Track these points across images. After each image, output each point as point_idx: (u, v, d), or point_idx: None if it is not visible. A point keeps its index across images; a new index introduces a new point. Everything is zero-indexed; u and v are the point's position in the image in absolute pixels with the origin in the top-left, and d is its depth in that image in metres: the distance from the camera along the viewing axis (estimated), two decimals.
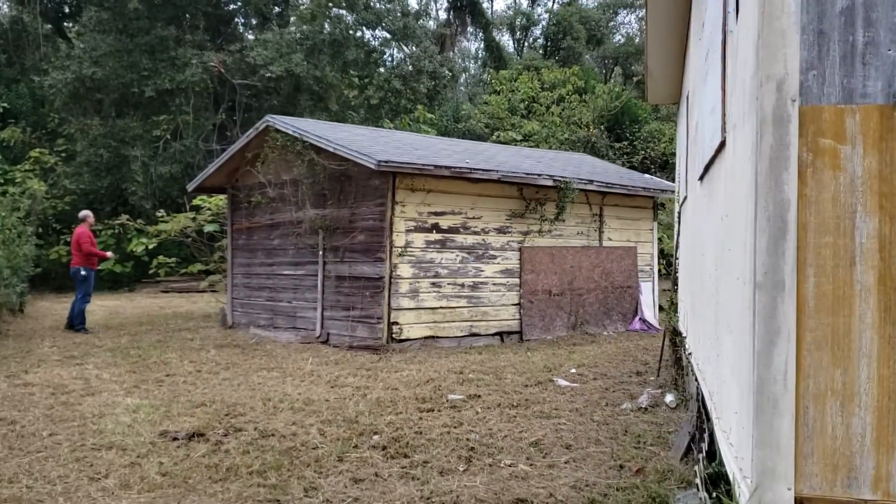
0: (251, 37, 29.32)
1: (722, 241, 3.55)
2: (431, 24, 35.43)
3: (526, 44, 45.73)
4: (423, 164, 11.29)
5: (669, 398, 8.07)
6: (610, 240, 14.50)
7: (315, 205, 12.58)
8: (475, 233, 12.50)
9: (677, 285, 9.10)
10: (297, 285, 13.17)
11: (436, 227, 12.03)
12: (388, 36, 28.11)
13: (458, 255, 12.29)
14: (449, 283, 12.19)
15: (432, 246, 11.99)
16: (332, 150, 11.62)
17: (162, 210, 17.83)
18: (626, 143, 32.42)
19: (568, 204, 13.19)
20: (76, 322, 14.29)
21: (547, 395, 8.37)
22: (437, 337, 12.07)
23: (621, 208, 14.70)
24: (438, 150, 13.53)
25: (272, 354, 11.54)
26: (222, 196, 16.70)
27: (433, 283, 12.00)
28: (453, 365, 10.37)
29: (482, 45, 40.25)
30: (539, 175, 12.74)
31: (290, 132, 12.36)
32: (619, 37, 59.60)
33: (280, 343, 12.81)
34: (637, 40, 62.98)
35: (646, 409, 7.78)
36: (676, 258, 9.14)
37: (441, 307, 12.11)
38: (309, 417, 7.44)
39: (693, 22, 6.29)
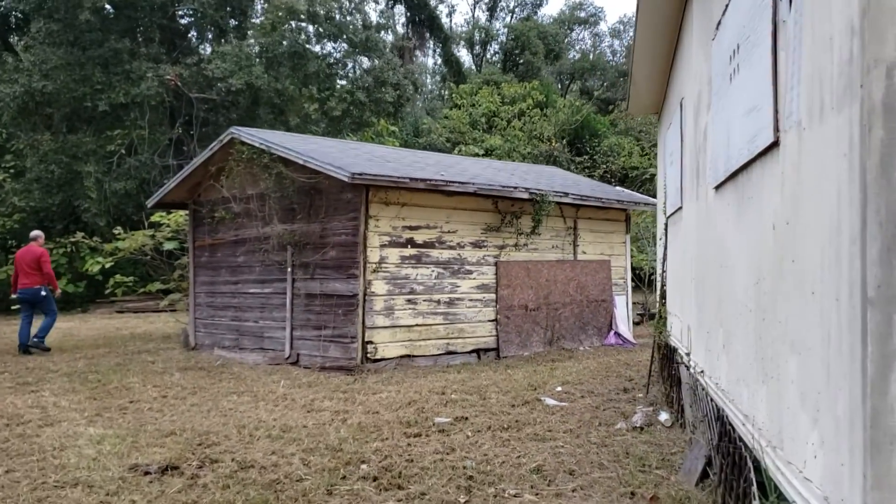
0: (208, 50, 28.67)
1: (775, 252, 3.23)
2: (390, 37, 35.14)
3: (485, 58, 45.72)
4: (399, 177, 10.92)
5: (664, 416, 7.77)
6: (584, 253, 14.27)
7: (283, 220, 12.10)
8: (451, 247, 12.14)
9: (664, 299, 8.83)
10: (264, 304, 12.64)
11: (410, 242, 11.65)
12: (349, 48, 27.66)
13: (433, 271, 11.91)
14: (425, 300, 11.80)
15: (407, 261, 11.60)
16: (301, 162, 11.17)
17: (119, 227, 17.11)
18: (586, 157, 32.47)
19: (543, 217, 12.92)
20: (41, 334, 13.79)
21: (537, 416, 8.02)
22: (414, 356, 11.66)
23: (595, 221, 14.49)
24: (410, 163, 13.16)
25: (240, 377, 11.00)
26: (183, 212, 16.09)
27: (408, 300, 11.60)
28: (433, 385, 9.96)
29: (441, 60, 40.09)
30: (515, 188, 12.45)
31: (257, 144, 11.88)
32: (575, 53, 60.17)
33: (247, 365, 12.26)
34: (591, 56, 63.63)
35: (641, 428, 7.48)
36: (663, 272, 8.88)
37: (417, 325, 11.71)
38: (289, 446, 6.98)
39: (694, 26, 6.04)
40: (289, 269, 12.06)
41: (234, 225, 13.16)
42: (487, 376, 10.68)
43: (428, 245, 11.85)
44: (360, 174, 10.46)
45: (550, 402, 8.69)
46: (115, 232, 16.96)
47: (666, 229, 8.83)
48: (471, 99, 36.10)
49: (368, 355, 11.11)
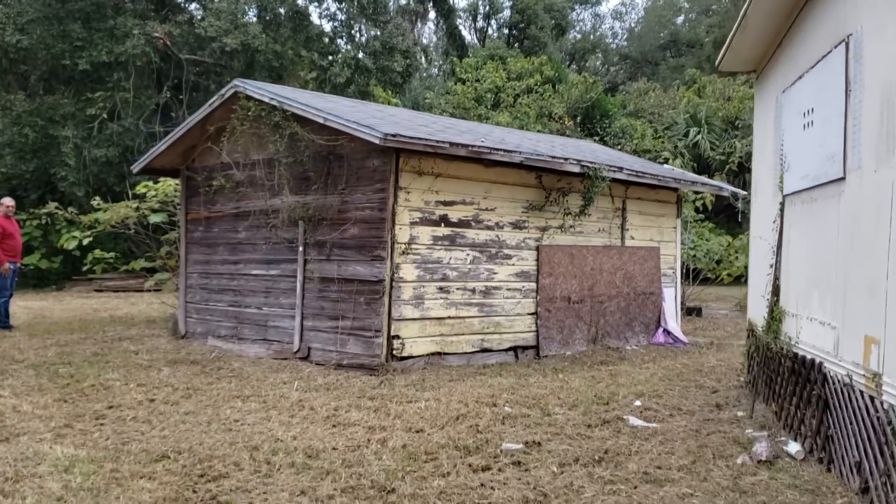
0: (198, 7, 26.51)
1: None
2: (394, 3, 33.08)
3: (488, 33, 43.73)
4: (438, 142, 9.14)
5: (793, 448, 6.11)
6: (632, 238, 12.56)
7: (295, 190, 10.30)
8: (488, 227, 10.39)
9: (777, 296, 7.14)
10: (269, 288, 10.85)
11: (444, 220, 9.89)
12: (354, 10, 25.61)
13: (468, 255, 10.17)
14: (458, 288, 10.06)
15: (440, 242, 9.85)
16: (321, 120, 9.37)
17: (98, 198, 15.18)
18: (597, 137, 30.76)
19: (595, 195, 11.19)
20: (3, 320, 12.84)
21: (628, 443, 6.33)
22: (444, 353, 9.94)
23: (645, 202, 12.77)
24: (443, 128, 11.38)
25: (243, 375, 9.23)
26: (173, 181, 14.22)
27: (440, 288, 9.86)
28: (478, 393, 8.24)
29: (444, 33, 38.07)
30: (565, 160, 10.70)
31: (267, 99, 10.05)
32: (575, 34, 58.31)
33: (248, 359, 10.49)
34: (592, 38, 61.76)
35: (769, 463, 5.82)
36: (777, 262, 7.18)
37: (449, 317, 9.97)
38: (321, 482, 5.26)
39: None
40: (300, 249, 10.27)
41: (236, 195, 11.33)
42: (538, 382, 8.97)
43: (463, 224, 10.10)
44: (394, 136, 8.68)
45: (636, 422, 7.00)
46: (94, 203, 15.03)
47: (782, 211, 7.12)
48: (475, 74, 34.21)
49: (394, 352, 9.38)
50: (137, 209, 14.23)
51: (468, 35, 43.68)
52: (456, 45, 37.40)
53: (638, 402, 7.81)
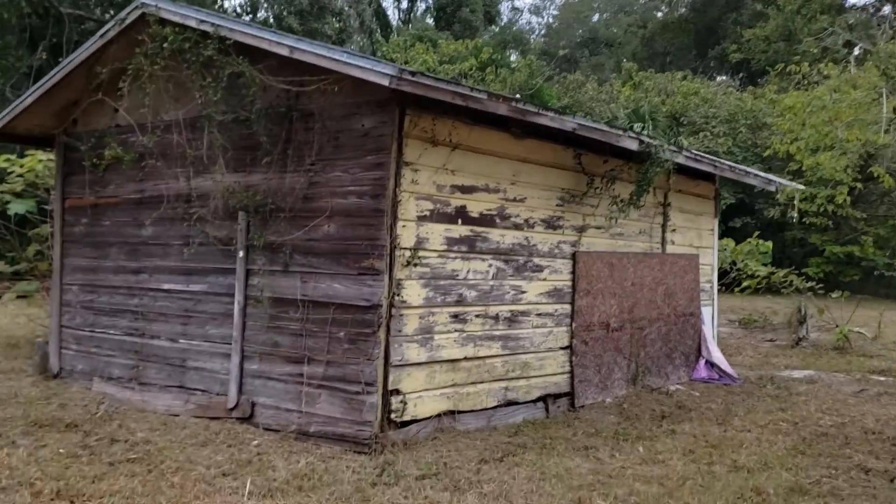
0: None
1: None
2: None
3: (413, 13, 40.42)
4: (472, 89, 5.92)
5: None
6: (672, 243, 9.64)
7: (235, 165, 6.84)
8: (516, 226, 7.23)
9: None
10: (189, 311, 7.31)
11: (462, 215, 6.67)
12: None
13: (491, 266, 6.98)
14: (478, 315, 6.86)
15: (456, 248, 6.62)
16: (285, 52, 5.97)
17: None
18: None
19: (652, 181, 8.19)
20: None
21: None
22: (458, 412, 6.71)
23: (685, 196, 9.88)
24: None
25: (150, 457, 5.72)
26: (45, 154, 10.35)
27: (454, 316, 6.63)
28: (548, 490, 5.07)
29: (372, 10, 34.45)
30: (623, 132, 7.66)
31: (194, 24, 6.55)
32: (493, 27, 55.88)
33: (156, 418, 6.95)
34: (511, 31, 59.52)
35: None
36: None
37: (466, 358, 6.76)
38: None
39: None
40: (240, 254, 6.81)
41: (139, 173, 7.71)
42: (618, 464, 5.86)
43: (486, 221, 6.90)
44: (412, 75, 5.41)
45: None
46: None
47: None
48: (404, 55, 30.98)
49: (393, 415, 6.09)
50: None
51: (392, 15, 40.29)
52: (381, 25, 33.95)
53: None
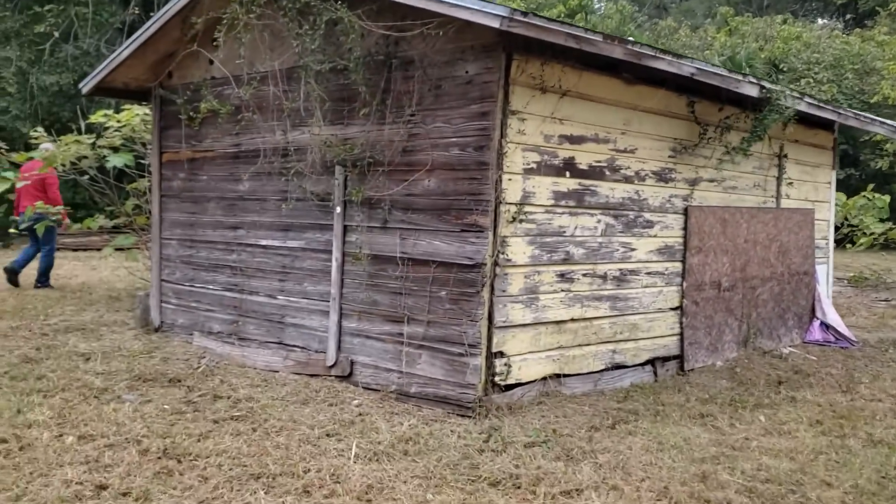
0: None
1: None
2: None
3: None
4: (587, 30, 5.50)
5: None
6: (787, 197, 9.01)
7: (333, 118, 6.61)
8: (626, 179, 6.81)
9: None
10: (287, 267, 7.20)
11: (570, 167, 6.29)
12: None
13: (600, 221, 6.59)
14: (585, 274, 6.51)
15: (563, 202, 6.26)
16: None
17: (39, 128, 11.31)
18: None
19: (766, 132, 7.61)
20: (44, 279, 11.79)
21: None
22: (564, 375, 6.41)
23: (801, 147, 9.19)
24: None
25: (254, 415, 5.65)
26: (142, 108, 10.39)
27: (561, 275, 6.29)
28: (666, 465, 4.74)
29: None
30: (743, 77, 7.09)
31: None
32: None
33: (256, 374, 6.90)
34: None
35: None
36: None
37: (572, 319, 6.43)
38: None
39: None
40: (338, 210, 6.61)
41: (236, 126, 7.58)
42: (742, 434, 5.47)
43: (595, 173, 6.50)
44: (524, 15, 5.02)
45: None
46: (34, 134, 11.16)
47: None
48: None
49: (497, 378, 5.84)
50: (94, 147, 10.40)
51: None
52: None
53: None
